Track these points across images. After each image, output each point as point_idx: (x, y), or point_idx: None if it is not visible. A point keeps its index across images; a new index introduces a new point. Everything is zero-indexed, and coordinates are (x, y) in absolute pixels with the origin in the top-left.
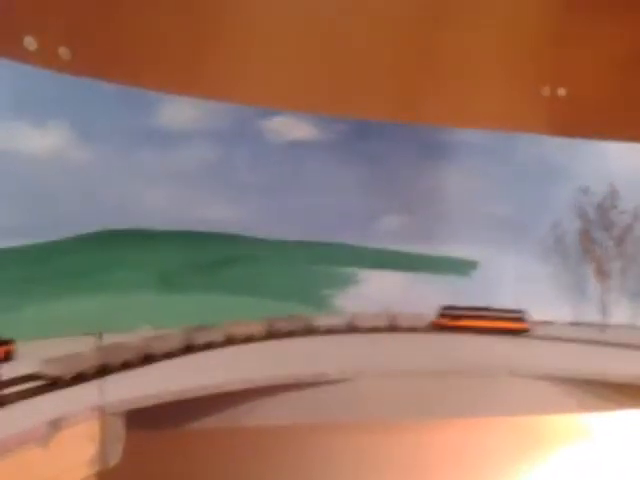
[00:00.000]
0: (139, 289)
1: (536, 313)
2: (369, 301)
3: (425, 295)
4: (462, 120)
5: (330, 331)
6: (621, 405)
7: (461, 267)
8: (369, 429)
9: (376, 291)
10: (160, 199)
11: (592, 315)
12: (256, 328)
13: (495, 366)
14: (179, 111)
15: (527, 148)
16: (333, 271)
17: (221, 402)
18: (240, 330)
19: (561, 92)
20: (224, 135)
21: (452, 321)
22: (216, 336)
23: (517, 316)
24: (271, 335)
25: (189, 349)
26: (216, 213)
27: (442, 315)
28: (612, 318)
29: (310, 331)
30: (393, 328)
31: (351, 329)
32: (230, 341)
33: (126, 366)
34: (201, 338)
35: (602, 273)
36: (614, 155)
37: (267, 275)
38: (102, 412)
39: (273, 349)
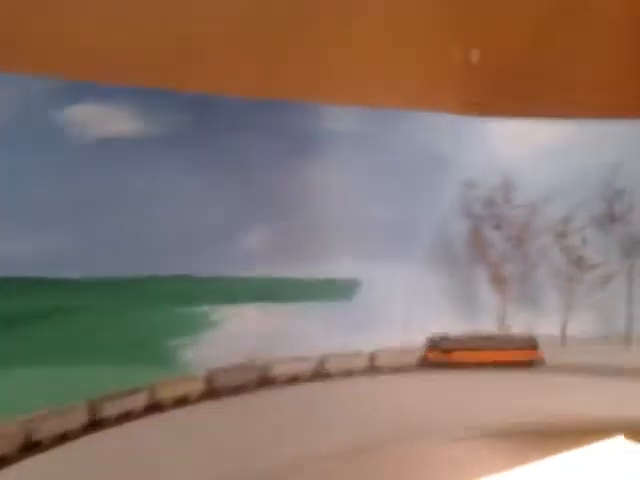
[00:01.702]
0: None
1: (428, 331)
2: (232, 347)
3: (301, 330)
4: (341, 95)
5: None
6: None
7: (340, 289)
8: None
9: (239, 333)
10: None
11: (489, 328)
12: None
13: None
14: None
15: (408, 136)
16: (178, 314)
17: None
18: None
19: (474, 55)
20: (3, 133)
21: (445, 355)
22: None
23: (527, 344)
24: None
25: None
26: (3, 250)
27: (431, 348)
28: (511, 329)
29: (265, 382)
30: (374, 369)
31: (322, 375)
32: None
33: None
34: None
35: (498, 279)
36: (507, 142)
37: (85, 330)
38: None
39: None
